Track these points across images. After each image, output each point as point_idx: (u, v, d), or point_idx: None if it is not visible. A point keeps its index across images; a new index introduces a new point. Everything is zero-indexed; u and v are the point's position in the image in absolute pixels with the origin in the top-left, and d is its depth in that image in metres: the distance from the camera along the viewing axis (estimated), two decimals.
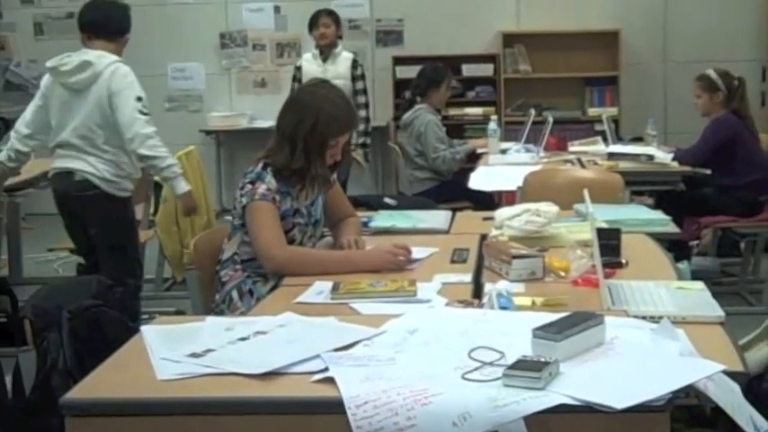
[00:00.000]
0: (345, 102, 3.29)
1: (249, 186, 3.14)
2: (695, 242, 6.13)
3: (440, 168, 6.48)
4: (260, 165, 3.19)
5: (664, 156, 5.89)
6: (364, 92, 6.79)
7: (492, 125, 6.50)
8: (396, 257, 3.03)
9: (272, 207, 3.12)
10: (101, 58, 4.31)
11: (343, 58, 6.74)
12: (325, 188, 3.35)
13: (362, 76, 6.76)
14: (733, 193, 5.68)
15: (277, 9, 8.72)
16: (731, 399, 1.87)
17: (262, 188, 3.12)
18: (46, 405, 2.43)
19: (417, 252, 3.14)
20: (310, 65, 6.70)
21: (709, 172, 5.74)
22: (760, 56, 8.40)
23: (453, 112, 8.33)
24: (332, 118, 3.17)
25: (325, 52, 6.73)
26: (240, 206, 3.15)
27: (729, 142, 5.74)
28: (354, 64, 6.75)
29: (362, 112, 6.52)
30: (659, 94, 8.62)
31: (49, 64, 4.36)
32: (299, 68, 6.77)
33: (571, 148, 6.46)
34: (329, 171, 3.29)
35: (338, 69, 6.61)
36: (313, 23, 6.74)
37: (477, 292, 2.74)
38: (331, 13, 6.84)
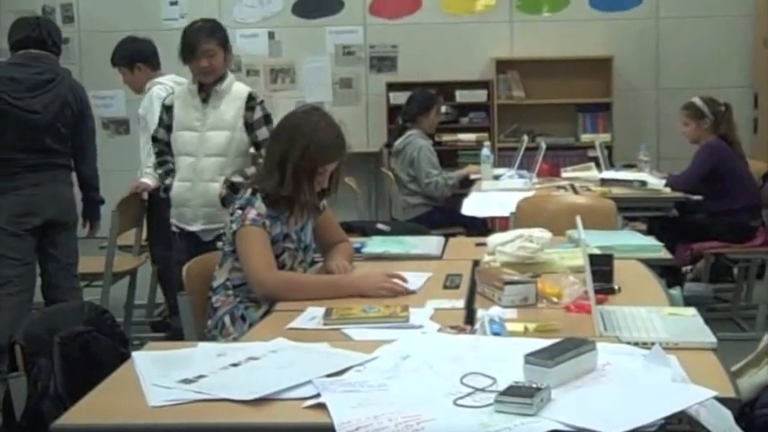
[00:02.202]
0: (336, 129, 3.27)
1: (239, 212, 3.14)
2: (688, 267, 6.14)
3: (432, 194, 6.48)
4: (249, 190, 3.20)
5: (656, 182, 5.91)
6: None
7: (485, 151, 6.52)
8: (387, 284, 3.02)
9: (263, 232, 3.12)
10: None
11: (234, 98, 4.43)
12: (314, 214, 3.36)
13: (267, 119, 4.44)
14: (725, 218, 5.69)
15: (271, 35, 8.75)
16: (723, 425, 1.87)
17: (252, 213, 3.12)
18: (37, 431, 2.42)
19: (414, 279, 3.14)
20: (184, 108, 4.43)
21: (700, 198, 5.76)
22: (751, 82, 8.44)
23: (446, 138, 8.35)
24: (322, 146, 3.17)
25: (207, 89, 4.40)
26: (231, 232, 3.16)
27: (719, 167, 5.77)
28: (250, 102, 4.44)
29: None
30: (652, 120, 8.65)
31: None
32: (168, 109, 4.48)
33: (564, 174, 6.47)
34: (318, 198, 3.29)
35: (223, 116, 4.37)
36: (190, 52, 4.36)
37: (470, 317, 2.73)
38: (215, 33, 4.43)
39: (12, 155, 4.52)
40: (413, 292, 3.06)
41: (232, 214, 3.17)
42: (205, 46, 4.33)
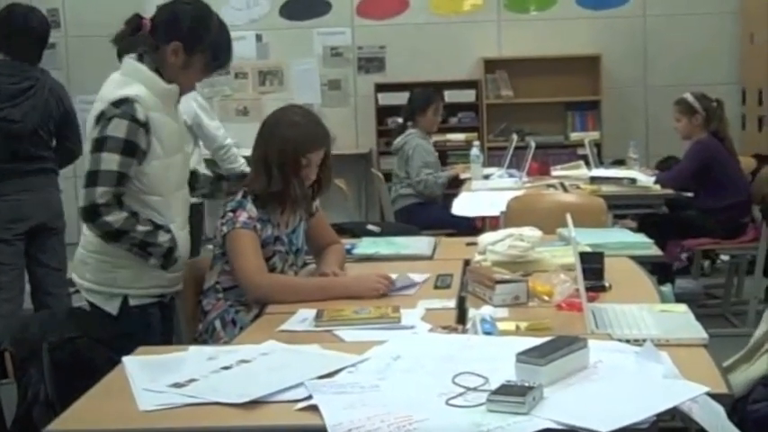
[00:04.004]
0: (314, 119, 3.25)
1: (230, 214, 3.13)
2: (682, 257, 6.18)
3: (423, 192, 6.51)
4: (240, 193, 3.19)
5: (646, 179, 5.92)
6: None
7: (474, 151, 6.53)
8: (380, 285, 3.02)
9: (253, 235, 3.11)
10: None
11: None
12: (306, 214, 3.35)
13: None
14: (715, 215, 5.71)
15: (259, 37, 8.75)
16: (716, 421, 1.86)
17: (243, 216, 3.11)
18: None
19: (415, 277, 3.15)
20: (165, 122, 3.03)
21: (691, 195, 5.77)
22: (739, 79, 8.47)
23: (436, 138, 8.30)
24: (301, 137, 3.15)
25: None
26: (221, 235, 3.14)
27: (710, 164, 5.78)
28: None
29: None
30: (640, 117, 8.67)
31: None
32: (145, 129, 2.94)
33: (554, 173, 6.49)
34: (310, 195, 3.28)
35: (183, 125, 3.39)
36: (228, 59, 3.24)
37: (461, 317, 2.73)
38: None
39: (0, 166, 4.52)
40: (418, 282, 3.09)
41: (223, 216, 3.15)
42: None
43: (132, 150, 2.91)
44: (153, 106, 2.97)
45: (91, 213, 2.87)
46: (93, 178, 2.87)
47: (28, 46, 4.60)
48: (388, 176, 6.92)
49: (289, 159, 3.15)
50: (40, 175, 4.61)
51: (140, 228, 2.94)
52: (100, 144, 2.88)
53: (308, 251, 3.43)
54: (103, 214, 2.87)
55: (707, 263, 6.67)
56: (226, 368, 2.20)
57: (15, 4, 4.79)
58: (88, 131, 2.99)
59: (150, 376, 2.15)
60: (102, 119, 2.91)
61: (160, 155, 3.00)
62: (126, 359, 2.30)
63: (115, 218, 2.89)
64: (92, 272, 3.02)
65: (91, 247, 3.01)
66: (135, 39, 3.04)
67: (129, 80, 2.99)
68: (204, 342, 3.08)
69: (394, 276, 3.09)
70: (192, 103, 4.85)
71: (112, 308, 3.00)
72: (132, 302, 3.04)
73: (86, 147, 2.99)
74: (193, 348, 2.45)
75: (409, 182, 6.55)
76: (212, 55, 3.09)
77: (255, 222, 3.13)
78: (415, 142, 6.55)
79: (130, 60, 3.04)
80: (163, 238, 3.01)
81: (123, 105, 2.90)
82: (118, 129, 2.88)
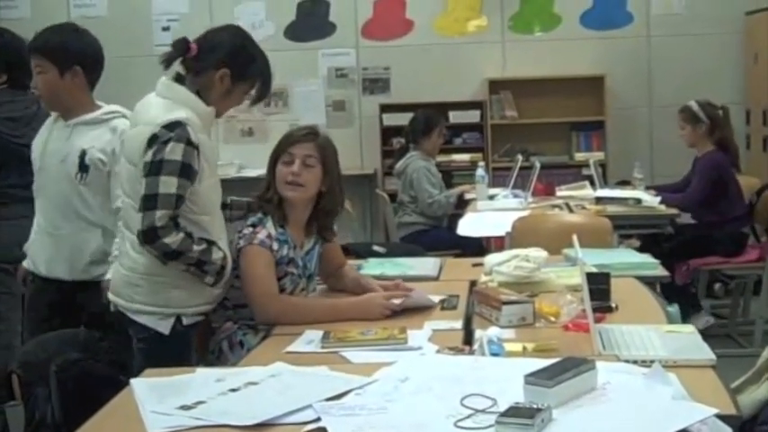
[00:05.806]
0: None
1: (250, 229, 3.12)
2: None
3: (436, 213, 6.52)
4: (260, 213, 3.19)
5: (651, 199, 5.92)
6: None
7: (479, 171, 6.54)
8: (388, 306, 3.02)
9: (269, 255, 3.10)
10: None
11: None
12: (327, 236, 3.35)
13: None
14: (717, 229, 5.70)
15: None
16: None
17: (262, 233, 3.11)
18: None
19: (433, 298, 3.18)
20: (211, 145, 3.16)
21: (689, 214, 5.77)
22: (743, 99, 8.47)
23: (441, 158, 8.31)
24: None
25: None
26: (236, 248, 3.12)
27: (717, 180, 5.80)
28: None
29: None
30: (645, 137, 8.67)
31: None
32: (198, 150, 2.99)
33: (559, 193, 6.49)
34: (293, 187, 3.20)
35: None
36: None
37: (468, 338, 2.73)
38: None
39: (10, 190, 4.44)
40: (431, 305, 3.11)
41: (240, 230, 3.13)
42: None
43: (189, 173, 2.93)
44: (199, 128, 3.01)
45: (150, 236, 2.90)
46: (152, 201, 2.89)
47: (25, 72, 4.58)
48: (393, 197, 6.92)
49: (271, 162, 3.23)
50: (30, 202, 4.46)
51: (196, 247, 2.97)
52: (157, 167, 2.90)
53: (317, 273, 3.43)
54: (162, 236, 2.90)
55: (717, 285, 6.66)
56: (234, 390, 2.21)
57: (5, 31, 4.78)
58: (133, 154, 3.00)
59: (158, 398, 2.15)
60: (156, 142, 2.92)
61: (208, 175, 3.04)
62: (134, 381, 2.30)
63: (173, 239, 2.91)
64: (144, 294, 3.02)
65: (142, 269, 3.01)
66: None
67: (173, 103, 3.03)
68: (210, 363, 3.08)
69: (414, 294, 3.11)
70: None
71: (164, 328, 3.01)
72: (185, 321, 3.06)
73: (129, 168, 3.02)
74: (201, 370, 2.46)
75: (414, 207, 6.54)
76: (253, 85, 3.22)
77: (273, 242, 3.13)
78: (417, 165, 6.56)
79: (170, 82, 3.10)
80: (216, 255, 3.02)
81: (177, 129, 2.93)
82: (174, 152, 2.90)
